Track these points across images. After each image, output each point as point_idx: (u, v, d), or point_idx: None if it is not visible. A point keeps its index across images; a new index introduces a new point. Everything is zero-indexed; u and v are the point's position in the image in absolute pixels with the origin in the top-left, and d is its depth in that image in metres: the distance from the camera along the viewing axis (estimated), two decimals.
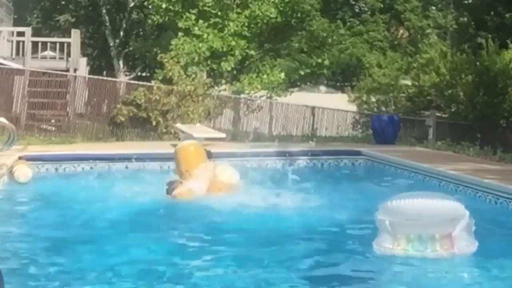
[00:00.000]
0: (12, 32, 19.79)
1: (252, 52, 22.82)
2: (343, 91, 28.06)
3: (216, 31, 22.14)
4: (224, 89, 22.51)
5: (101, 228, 6.61)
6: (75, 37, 19.58)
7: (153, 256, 5.62)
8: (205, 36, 21.80)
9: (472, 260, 5.82)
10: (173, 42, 21.71)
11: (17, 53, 18.97)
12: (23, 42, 18.87)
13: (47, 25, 32.87)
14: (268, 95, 23.04)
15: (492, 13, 24.60)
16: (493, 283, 5.27)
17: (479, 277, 5.39)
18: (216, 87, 21.05)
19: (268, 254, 5.70)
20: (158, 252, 5.77)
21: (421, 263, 5.25)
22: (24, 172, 8.82)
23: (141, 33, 30.88)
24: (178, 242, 6.21)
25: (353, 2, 36.95)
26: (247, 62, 23.48)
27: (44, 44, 21.02)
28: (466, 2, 26.87)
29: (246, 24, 22.40)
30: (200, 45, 21.64)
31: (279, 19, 22.83)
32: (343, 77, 35.53)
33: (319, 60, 25.42)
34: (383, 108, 22.61)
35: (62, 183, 9.37)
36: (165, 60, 17.81)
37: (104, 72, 29.07)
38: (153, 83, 17.50)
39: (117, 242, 5.96)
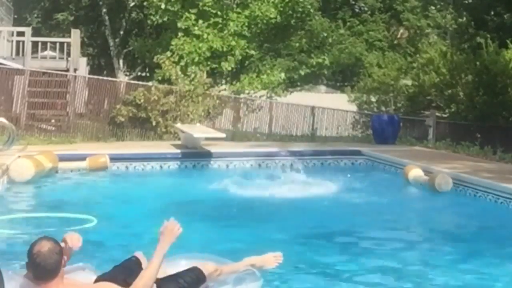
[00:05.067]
0: (12, 32, 19.76)
1: (252, 52, 22.81)
2: (343, 91, 28.05)
3: (216, 31, 22.13)
4: (224, 89, 22.49)
5: None
6: (75, 37, 19.55)
7: None
8: (205, 36, 21.79)
9: (471, 258, 5.84)
10: (173, 42, 21.71)
11: (17, 53, 18.94)
12: (23, 42, 18.84)
13: (47, 25, 32.82)
14: (268, 95, 23.03)
15: (491, 13, 24.59)
16: (494, 280, 5.29)
17: (485, 274, 5.40)
18: (216, 87, 21.03)
19: None
20: None
21: None
22: None
23: (141, 33, 30.83)
24: None
25: (353, 2, 36.95)
26: (247, 62, 23.48)
27: (44, 44, 21.00)
28: (466, 1, 26.84)
29: (246, 24, 22.39)
30: (200, 45, 21.63)
31: (279, 19, 22.83)
32: (343, 77, 35.54)
33: (319, 60, 25.41)
34: (383, 108, 22.60)
35: None
36: (161, 61, 17.81)
37: (104, 72, 29.04)
38: (151, 83, 17.49)
39: None
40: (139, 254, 4.36)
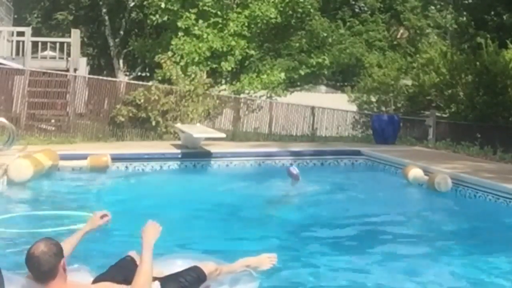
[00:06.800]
0: (12, 32, 19.75)
1: (252, 52, 22.82)
2: (343, 91, 28.05)
3: (216, 31, 22.13)
4: (224, 89, 22.50)
5: None
6: (75, 37, 19.55)
7: None
8: (205, 36, 21.79)
9: (473, 259, 5.84)
10: (173, 42, 21.71)
11: (17, 53, 18.94)
12: (23, 42, 18.84)
13: (47, 24, 32.84)
14: (268, 95, 23.03)
15: (492, 13, 24.59)
16: (494, 280, 5.29)
17: (478, 276, 5.40)
18: (216, 87, 21.03)
19: None
20: None
21: None
22: None
23: (141, 33, 30.83)
24: None
25: (353, 2, 36.93)
26: (247, 62, 23.48)
27: (44, 44, 20.99)
28: (466, 1, 26.84)
29: (246, 24, 22.39)
30: (200, 45, 21.63)
31: (279, 19, 22.83)
32: (343, 77, 35.52)
33: (319, 60, 25.41)
34: (383, 108, 22.61)
35: None
36: (162, 61, 17.80)
37: (104, 72, 29.04)
38: (151, 83, 17.49)
39: None
40: (133, 253, 4.37)
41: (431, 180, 9.11)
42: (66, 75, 17.70)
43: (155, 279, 4.07)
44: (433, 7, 32.87)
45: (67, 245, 4.13)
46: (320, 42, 27.33)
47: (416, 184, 9.59)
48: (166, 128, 15.90)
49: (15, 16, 27.27)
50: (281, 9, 22.84)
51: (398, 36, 35.63)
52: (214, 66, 22.01)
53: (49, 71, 17.51)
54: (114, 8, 31.61)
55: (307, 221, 7.54)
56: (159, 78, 18.71)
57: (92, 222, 4.47)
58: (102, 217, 4.46)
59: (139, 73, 30.83)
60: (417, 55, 24.75)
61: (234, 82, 22.81)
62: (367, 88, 23.83)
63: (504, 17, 23.38)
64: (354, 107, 23.82)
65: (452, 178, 9.04)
